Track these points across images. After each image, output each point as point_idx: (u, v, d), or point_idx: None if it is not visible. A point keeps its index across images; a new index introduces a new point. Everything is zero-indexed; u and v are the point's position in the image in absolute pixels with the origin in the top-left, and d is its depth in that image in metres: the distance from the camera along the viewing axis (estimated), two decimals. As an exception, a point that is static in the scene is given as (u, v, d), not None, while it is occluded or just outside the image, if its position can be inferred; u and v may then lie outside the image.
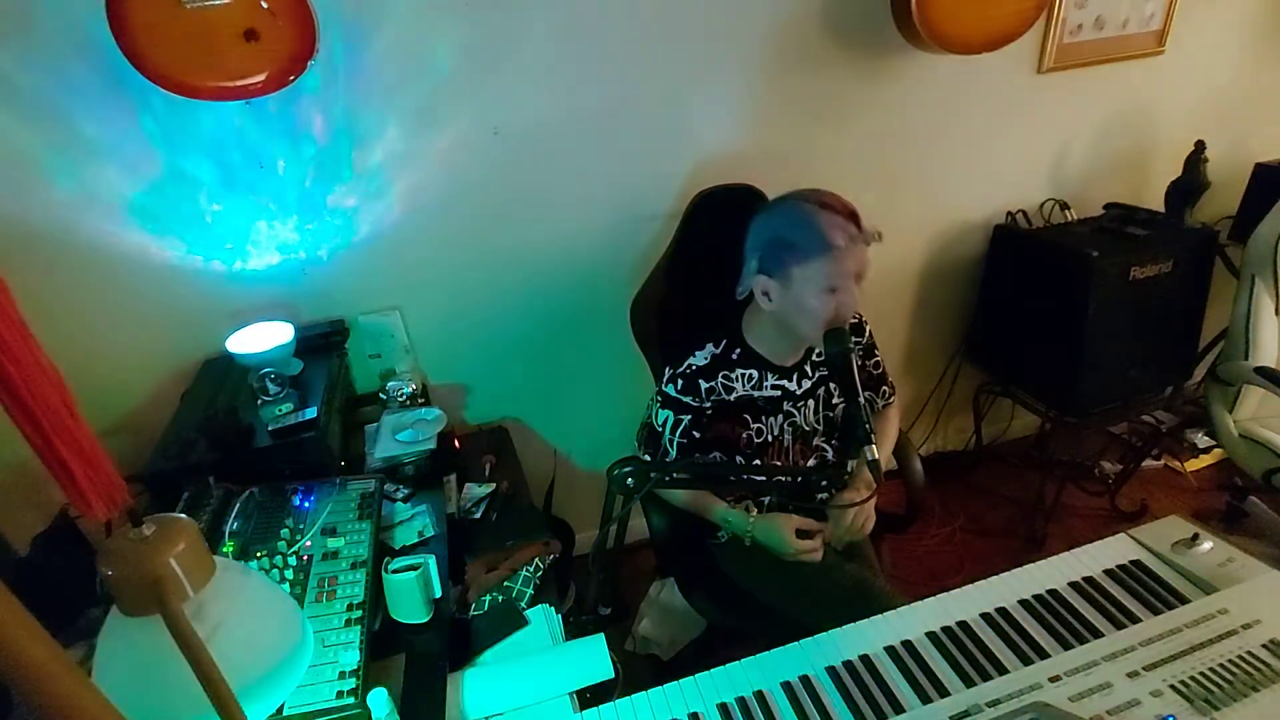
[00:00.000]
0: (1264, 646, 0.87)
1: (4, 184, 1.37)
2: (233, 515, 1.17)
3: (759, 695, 0.91)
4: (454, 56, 1.52)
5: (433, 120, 1.57)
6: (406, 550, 1.28)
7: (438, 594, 1.15)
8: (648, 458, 1.39)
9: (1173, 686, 0.83)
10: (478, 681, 1.06)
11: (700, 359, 1.34)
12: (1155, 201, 2.09)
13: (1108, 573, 1.04)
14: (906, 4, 1.62)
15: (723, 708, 0.90)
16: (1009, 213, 2.13)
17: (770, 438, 1.39)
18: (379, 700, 0.92)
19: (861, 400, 1.13)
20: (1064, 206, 2.11)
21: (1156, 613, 0.96)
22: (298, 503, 1.24)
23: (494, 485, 1.50)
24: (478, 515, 1.43)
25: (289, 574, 1.10)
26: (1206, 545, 1.05)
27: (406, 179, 1.61)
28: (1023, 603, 1.01)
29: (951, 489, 2.43)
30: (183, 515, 0.62)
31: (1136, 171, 2.25)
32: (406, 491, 1.42)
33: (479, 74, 1.55)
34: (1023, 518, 2.27)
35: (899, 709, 0.87)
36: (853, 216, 1.20)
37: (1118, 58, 2.02)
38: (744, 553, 1.38)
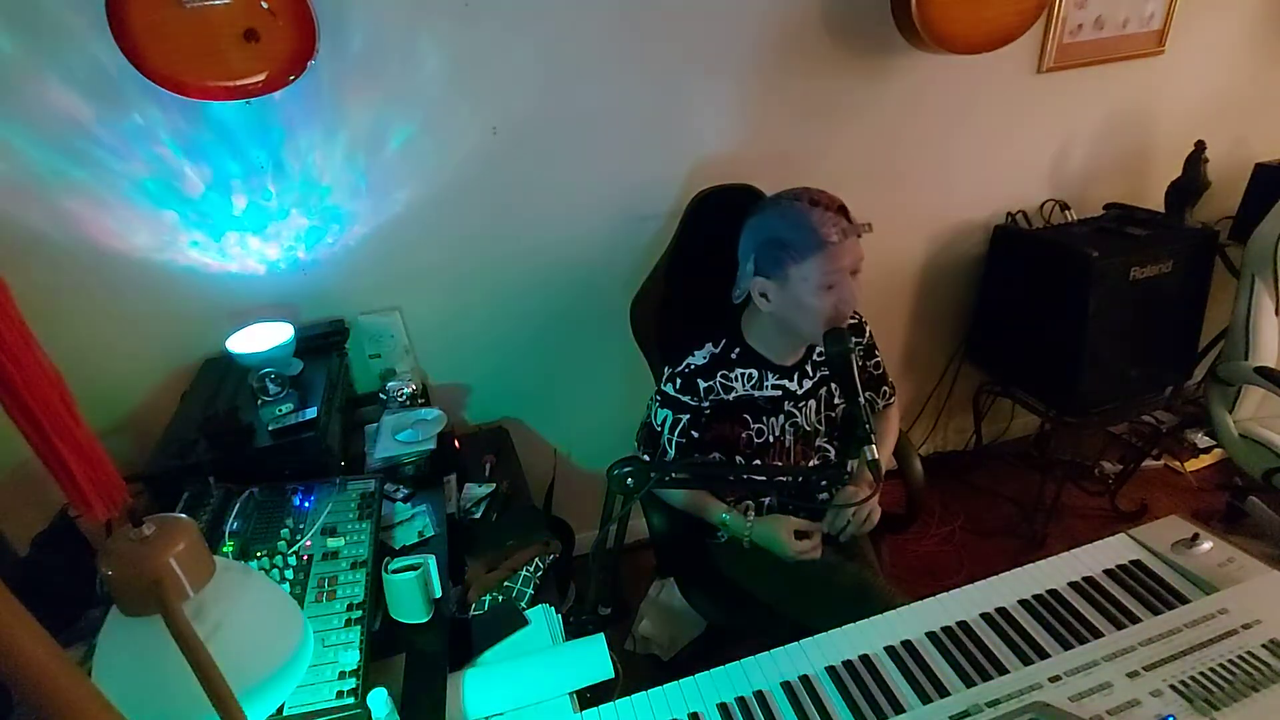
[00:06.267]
0: (1264, 646, 0.87)
1: (4, 184, 1.37)
2: (233, 515, 1.17)
3: (759, 695, 0.91)
4: (454, 56, 1.52)
5: (433, 120, 1.57)
6: (406, 550, 1.28)
7: (438, 594, 1.15)
8: (647, 457, 1.40)
9: (1173, 686, 0.83)
10: (478, 681, 1.06)
11: (699, 358, 1.34)
12: (1155, 201, 2.09)
13: (1108, 573, 1.04)
14: (906, 4, 1.62)
15: (723, 708, 0.90)
16: (1009, 213, 2.13)
17: (771, 438, 1.39)
18: (379, 700, 0.92)
19: (862, 400, 1.13)
20: (1064, 207, 2.10)
21: (1156, 613, 0.96)
22: (298, 503, 1.24)
23: (494, 485, 1.50)
24: (478, 515, 1.43)
25: (289, 574, 1.10)
26: (1206, 545, 1.04)
27: (406, 178, 1.61)
28: (1023, 603, 1.01)
29: (951, 489, 2.43)
30: (183, 515, 0.62)
31: (1136, 171, 2.25)
32: (406, 491, 1.42)
33: (479, 73, 1.55)
34: (1023, 518, 2.27)
35: (899, 709, 0.87)
36: (842, 210, 1.20)
37: (1118, 58, 2.02)
38: (743, 553, 1.38)
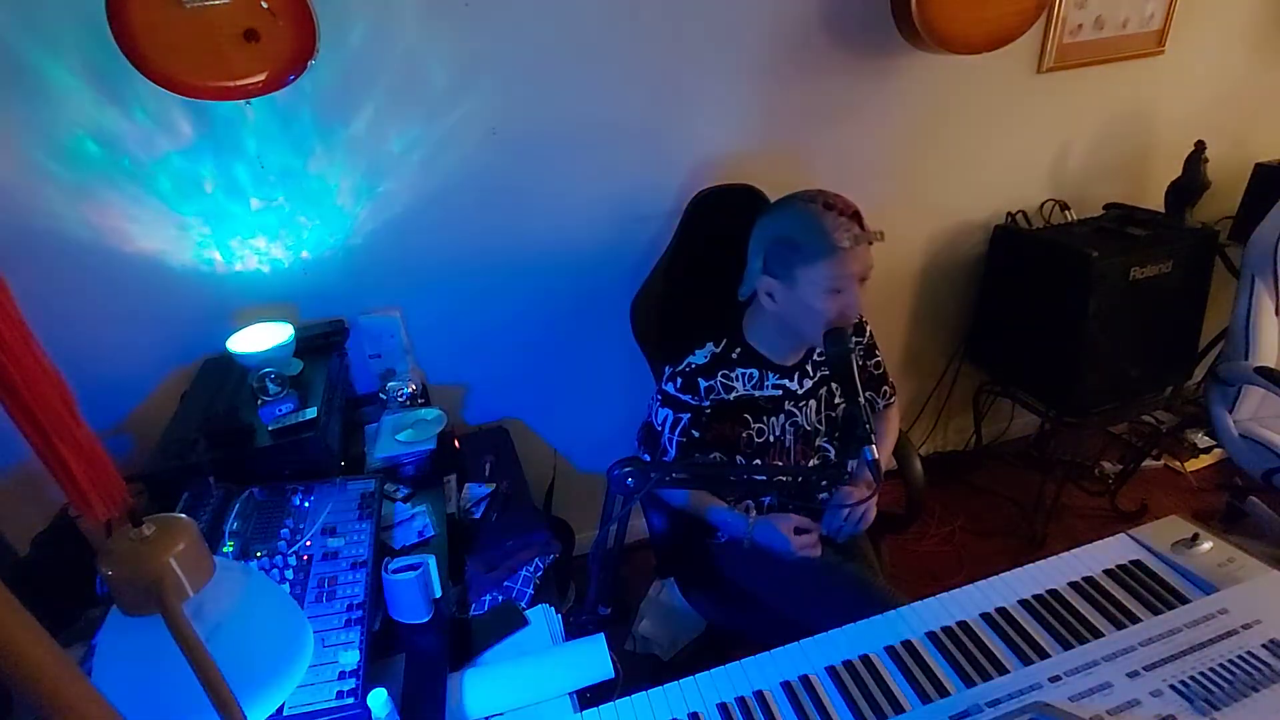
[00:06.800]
0: (1264, 646, 0.87)
1: (4, 184, 1.37)
2: (233, 515, 1.17)
3: (759, 695, 0.91)
4: (454, 56, 1.52)
5: (433, 120, 1.57)
6: (406, 550, 1.28)
7: (438, 594, 1.15)
8: (647, 457, 1.40)
9: (1173, 686, 0.83)
10: (478, 681, 1.06)
11: (700, 358, 1.34)
12: (1155, 201, 2.09)
13: (1108, 573, 1.04)
14: (906, 4, 1.62)
15: (723, 708, 0.90)
16: (1009, 213, 2.13)
17: (771, 438, 1.39)
18: (379, 700, 0.92)
19: (862, 400, 1.13)
20: (1064, 207, 2.10)
21: (1156, 613, 0.96)
22: (298, 503, 1.24)
23: (494, 485, 1.50)
24: (478, 515, 1.43)
25: (289, 574, 1.10)
26: (1206, 545, 1.04)
27: (406, 178, 1.61)
28: (1023, 603, 1.01)
29: (951, 489, 2.43)
30: (183, 515, 0.62)
31: (1136, 171, 2.25)
32: (406, 491, 1.42)
33: (479, 74, 1.55)
34: (1023, 518, 2.27)
35: (899, 709, 0.87)
36: (856, 217, 1.20)
37: (1118, 58, 2.02)
38: (743, 553, 1.38)
